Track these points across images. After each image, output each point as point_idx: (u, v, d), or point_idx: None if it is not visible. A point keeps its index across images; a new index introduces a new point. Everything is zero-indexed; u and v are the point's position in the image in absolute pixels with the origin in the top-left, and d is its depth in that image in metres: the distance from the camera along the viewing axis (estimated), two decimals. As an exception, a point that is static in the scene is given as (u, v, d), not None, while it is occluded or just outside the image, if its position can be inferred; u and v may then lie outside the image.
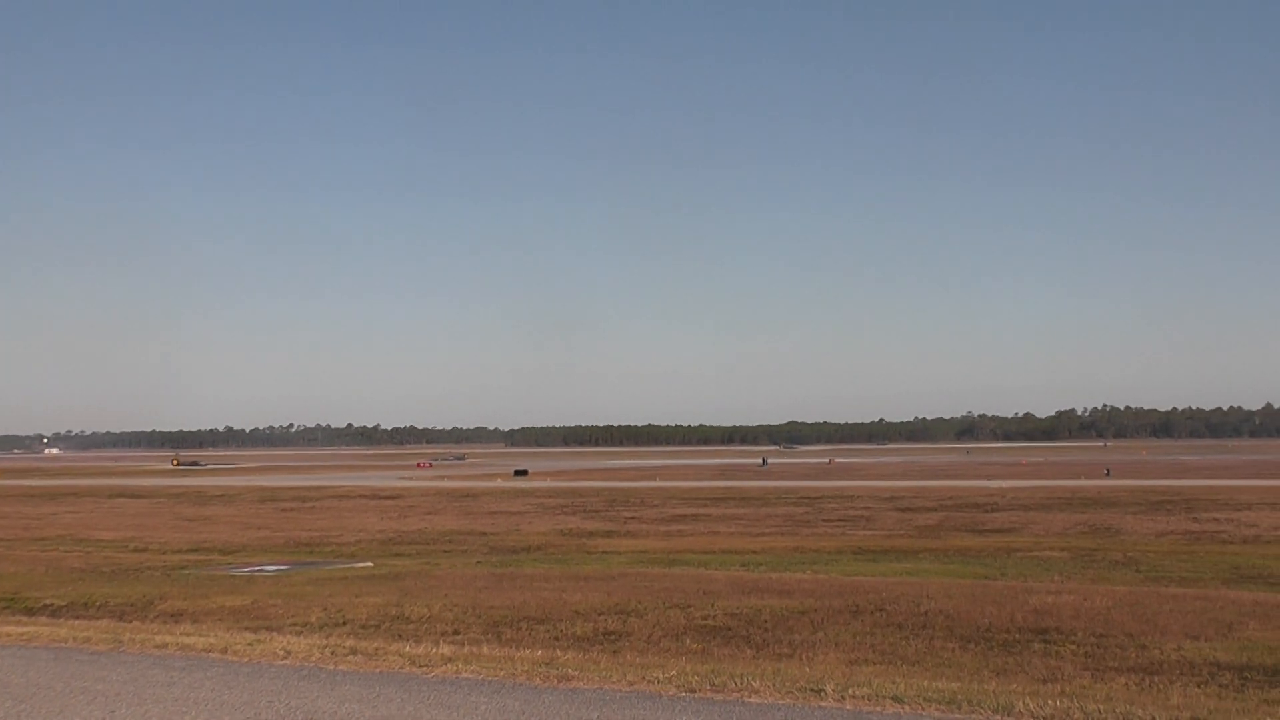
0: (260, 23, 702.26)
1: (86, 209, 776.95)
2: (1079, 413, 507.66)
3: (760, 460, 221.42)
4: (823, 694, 10.48)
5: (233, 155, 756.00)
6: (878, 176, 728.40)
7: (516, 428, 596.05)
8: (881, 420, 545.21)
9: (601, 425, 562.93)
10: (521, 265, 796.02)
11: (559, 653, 13.18)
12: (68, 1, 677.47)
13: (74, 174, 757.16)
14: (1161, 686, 14.65)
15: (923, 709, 10.17)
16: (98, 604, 28.57)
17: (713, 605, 26.19)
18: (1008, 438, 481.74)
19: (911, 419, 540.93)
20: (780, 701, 10.23)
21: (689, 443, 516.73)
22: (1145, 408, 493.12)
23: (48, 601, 29.07)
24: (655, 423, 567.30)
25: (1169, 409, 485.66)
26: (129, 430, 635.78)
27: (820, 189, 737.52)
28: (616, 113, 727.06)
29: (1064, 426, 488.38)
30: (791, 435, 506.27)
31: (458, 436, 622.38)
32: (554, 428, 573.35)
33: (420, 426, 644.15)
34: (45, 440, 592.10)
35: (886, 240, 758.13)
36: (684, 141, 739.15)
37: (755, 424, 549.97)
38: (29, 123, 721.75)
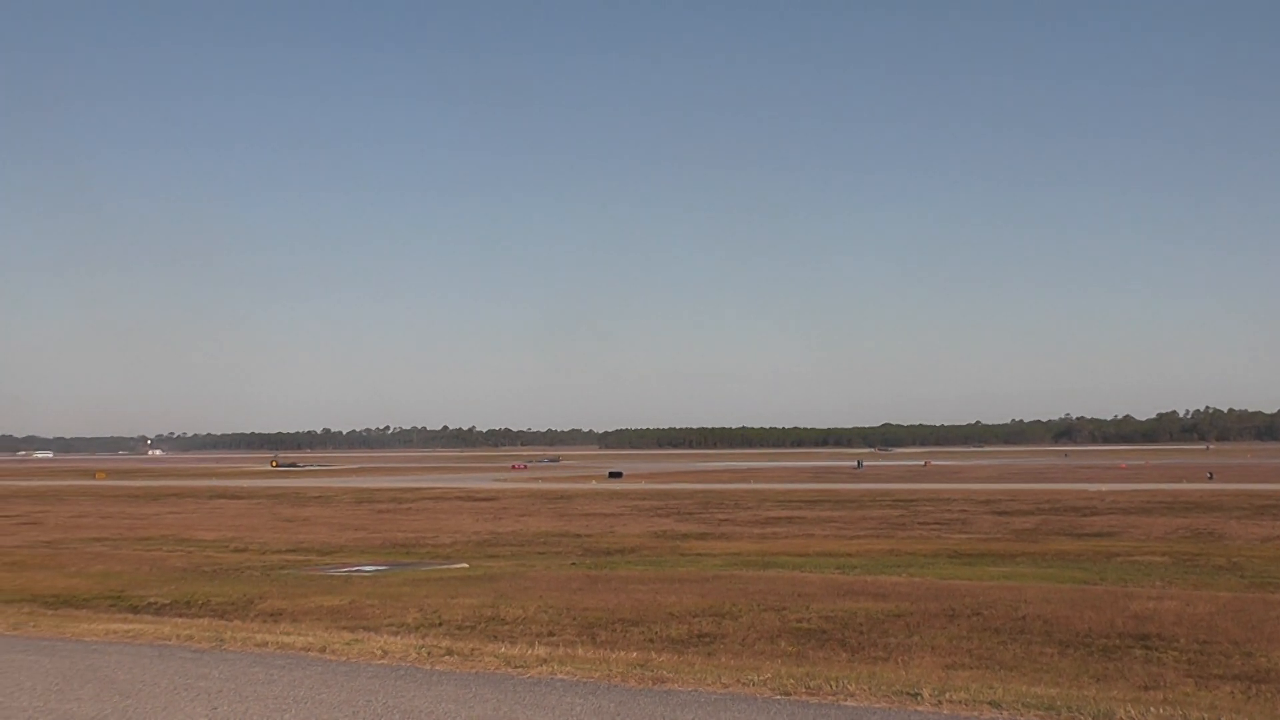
0: (327, 26, 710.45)
1: (187, 216, 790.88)
2: (1181, 415, 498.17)
3: (855, 462, 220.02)
4: (919, 698, 10.39)
5: (330, 160, 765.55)
6: (977, 178, 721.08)
7: (611, 430, 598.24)
8: (978, 422, 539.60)
9: (695, 427, 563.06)
10: (616, 267, 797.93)
11: (653, 655, 13.19)
12: (141, 5, 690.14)
13: (175, 181, 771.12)
14: (1268, 695, 14.37)
15: (1021, 715, 10.05)
16: (200, 603, 29.07)
17: (807, 608, 26.08)
18: (1106, 440, 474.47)
19: (1008, 421, 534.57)
20: (876, 705, 10.16)
21: (783, 445, 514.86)
22: (1250, 410, 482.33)
23: (152, 600, 29.63)
24: (749, 425, 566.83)
25: (1275, 411, 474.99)
26: (229, 432, 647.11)
27: (917, 190, 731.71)
28: (710, 111, 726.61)
29: (1165, 429, 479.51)
30: (887, 438, 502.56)
31: (552, 439, 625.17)
32: (648, 430, 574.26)
33: (515, 429, 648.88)
34: (149, 442, 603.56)
35: (983, 241, 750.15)
36: (780, 141, 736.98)
37: (850, 426, 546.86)
38: (124, 129, 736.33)
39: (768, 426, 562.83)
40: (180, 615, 22.83)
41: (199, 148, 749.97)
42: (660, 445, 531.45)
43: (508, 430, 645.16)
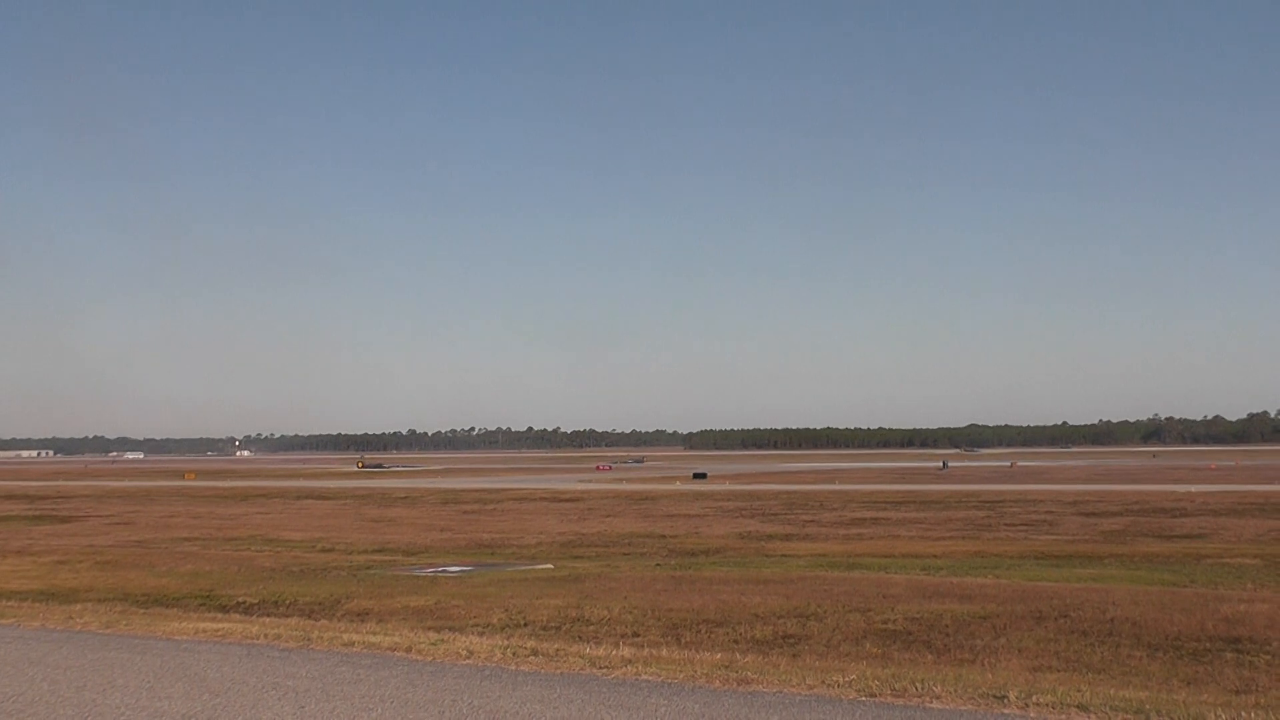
0: (408, 47, 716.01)
1: (275, 225, 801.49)
2: (1272, 415, 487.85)
3: (940, 463, 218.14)
4: (1005, 700, 10.26)
5: (410, 172, 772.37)
6: (1062, 179, 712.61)
7: (695, 431, 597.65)
8: (1065, 423, 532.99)
9: (780, 428, 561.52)
10: (698, 267, 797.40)
11: (738, 655, 13.12)
12: (265, 28, 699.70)
13: (262, 193, 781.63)
14: (1366, 700, 14.02)
15: (1110, 718, 9.89)
16: (287, 602, 29.39)
17: (892, 609, 25.88)
18: (1196, 441, 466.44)
19: (1095, 422, 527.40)
20: (962, 708, 10.04)
21: (868, 446, 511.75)
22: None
23: (240, 599, 30.00)
24: (834, 426, 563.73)
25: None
26: (316, 433, 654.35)
27: (1001, 189, 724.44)
28: (786, 118, 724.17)
29: (1256, 429, 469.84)
30: (972, 438, 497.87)
31: (636, 440, 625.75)
32: (732, 430, 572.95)
33: (599, 430, 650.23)
34: (237, 443, 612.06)
35: (1070, 240, 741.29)
36: (867, 142, 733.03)
37: (935, 427, 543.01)
38: (205, 145, 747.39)
39: (852, 427, 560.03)
40: (268, 615, 23.09)
41: (281, 162, 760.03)
42: (744, 446, 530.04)
43: (592, 431, 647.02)
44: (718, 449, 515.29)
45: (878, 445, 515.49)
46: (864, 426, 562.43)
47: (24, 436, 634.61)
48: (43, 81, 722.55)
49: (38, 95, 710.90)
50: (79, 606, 18.17)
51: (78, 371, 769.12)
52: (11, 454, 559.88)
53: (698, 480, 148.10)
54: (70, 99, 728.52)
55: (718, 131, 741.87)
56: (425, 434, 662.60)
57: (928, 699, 10.23)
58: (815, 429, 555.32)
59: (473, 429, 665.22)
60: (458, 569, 42.01)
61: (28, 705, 9.89)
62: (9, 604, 18.13)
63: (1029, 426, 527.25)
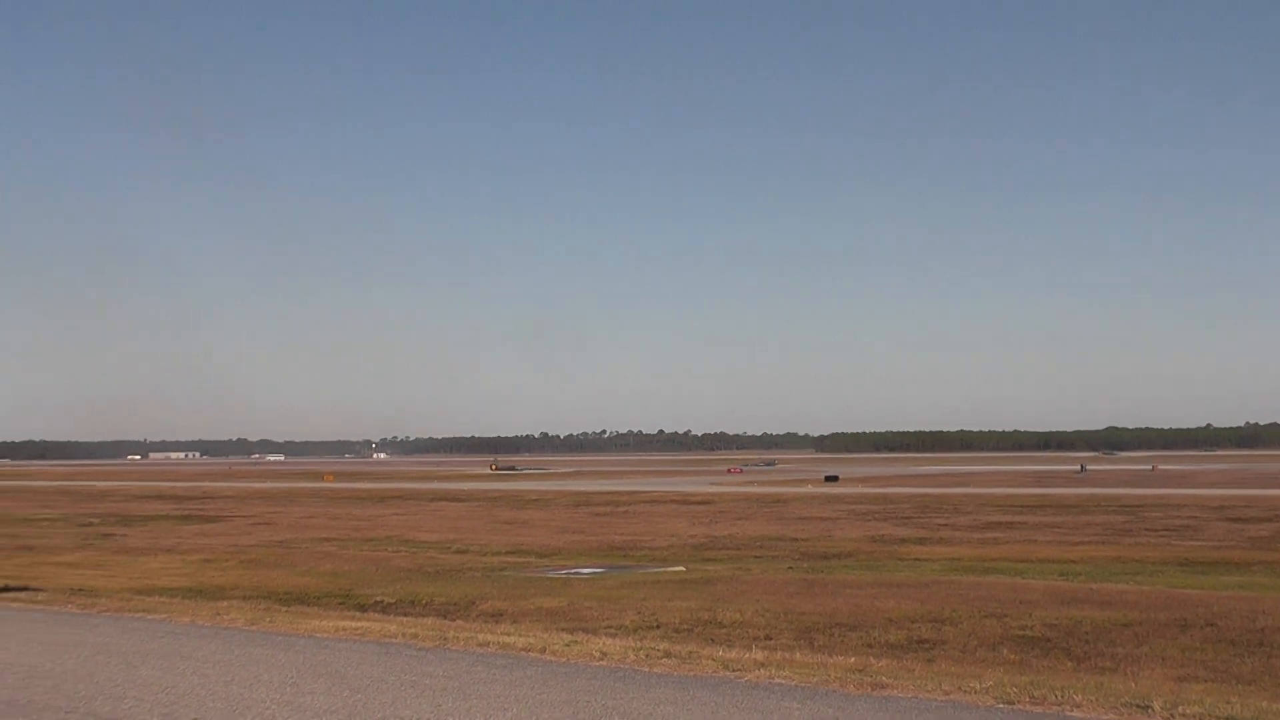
0: (540, 49, 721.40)
1: (411, 234, 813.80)
2: None
3: (1078, 466, 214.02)
4: (1149, 710, 10.05)
5: (535, 176, 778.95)
6: (1208, 178, 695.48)
7: (827, 433, 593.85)
8: (1209, 425, 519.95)
9: (912, 431, 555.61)
10: (828, 268, 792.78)
11: (872, 660, 13.03)
12: (371, 37, 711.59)
13: (386, 196, 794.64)
14: None
15: (1260, 730, 9.63)
16: (423, 602, 29.82)
17: (1029, 615, 25.50)
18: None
19: (1242, 424, 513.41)
20: (1104, 717, 9.85)
21: (1002, 449, 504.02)
22: None
23: (378, 599, 30.51)
24: (967, 428, 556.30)
25: None
26: (450, 436, 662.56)
27: (1141, 189, 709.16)
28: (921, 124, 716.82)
29: None
30: (1111, 441, 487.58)
31: (768, 442, 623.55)
32: (864, 433, 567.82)
33: (730, 432, 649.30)
34: (374, 445, 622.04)
35: (1216, 239, 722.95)
36: (998, 141, 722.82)
37: (1072, 429, 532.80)
38: (331, 146, 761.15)
39: (986, 430, 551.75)
40: (405, 614, 23.45)
41: (405, 167, 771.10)
42: (876, 449, 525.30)
43: (723, 434, 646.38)
44: (849, 451, 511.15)
45: (1012, 448, 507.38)
46: (998, 429, 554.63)
47: (172, 439, 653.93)
48: (169, 90, 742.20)
49: (165, 103, 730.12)
50: (225, 604, 18.65)
51: (221, 376, 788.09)
52: (161, 456, 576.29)
53: (829, 483, 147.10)
54: (197, 107, 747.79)
55: (840, 133, 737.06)
56: (557, 437, 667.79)
57: (1067, 707, 10.06)
58: (948, 431, 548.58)
59: (604, 432, 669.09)
60: (590, 571, 42.25)
61: (180, 697, 10.19)
62: (160, 600, 18.67)
63: (1170, 429, 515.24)
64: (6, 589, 20.31)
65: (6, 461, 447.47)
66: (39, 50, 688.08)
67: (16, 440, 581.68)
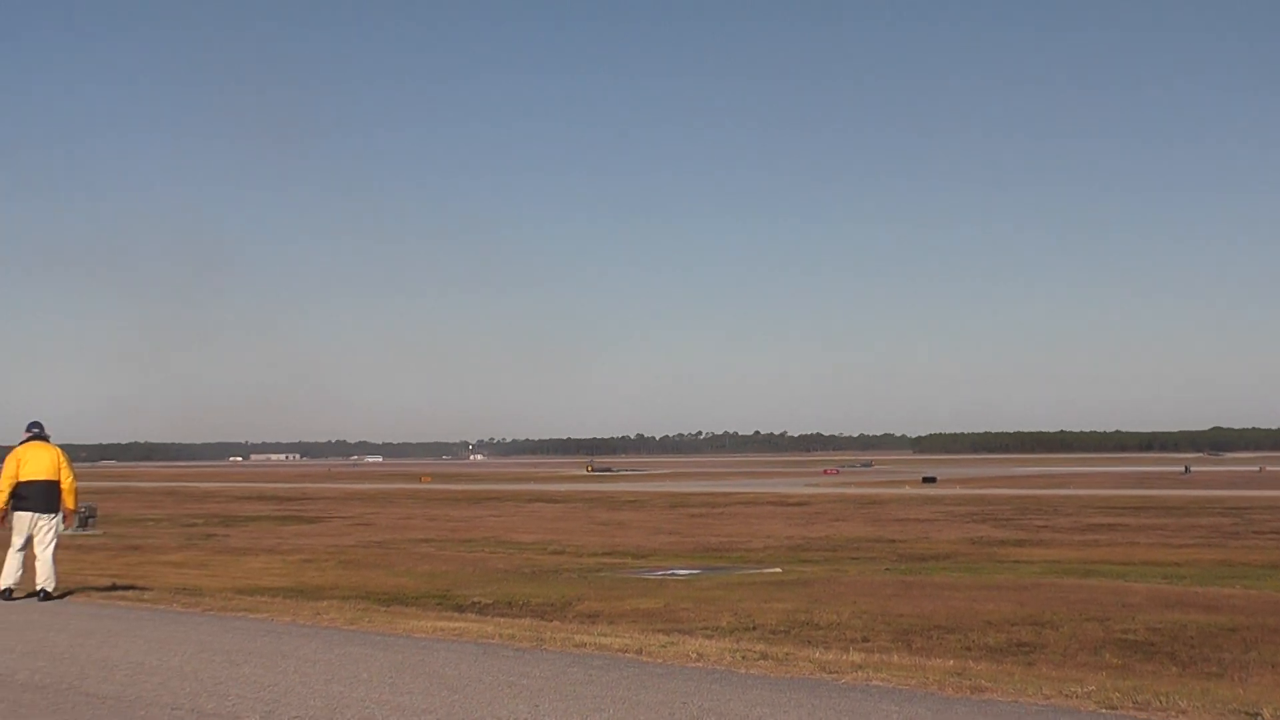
0: (652, 52, 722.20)
1: (510, 236, 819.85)
2: None
3: (1183, 468, 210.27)
4: (1258, 718, 9.81)
5: (631, 179, 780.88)
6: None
7: (924, 434, 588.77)
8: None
9: (1011, 432, 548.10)
10: (927, 267, 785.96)
11: (970, 663, 12.86)
12: (467, 40, 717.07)
13: (478, 201, 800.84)
14: None
15: (1378, 741, 9.36)
16: (520, 603, 29.99)
17: (1132, 619, 25.10)
18: None
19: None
20: (1209, 723, 9.66)
21: (1104, 450, 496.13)
22: None
23: (475, 599, 30.73)
24: (1068, 429, 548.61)
25: None
26: (546, 437, 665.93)
27: (1241, 188, 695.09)
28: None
29: None
30: (1216, 442, 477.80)
31: (864, 443, 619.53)
32: (962, 434, 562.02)
33: (826, 433, 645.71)
34: (470, 447, 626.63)
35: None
36: (1095, 145, 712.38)
37: (1176, 430, 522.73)
38: (426, 148, 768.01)
39: (1087, 430, 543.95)
40: (502, 615, 23.58)
41: (499, 171, 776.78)
42: (974, 450, 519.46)
43: (819, 435, 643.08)
44: (947, 452, 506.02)
45: (1114, 449, 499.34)
46: (1099, 430, 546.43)
47: (272, 440, 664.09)
48: (269, 95, 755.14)
49: (265, 108, 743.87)
50: (325, 603, 18.86)
51: (320, 379, 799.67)
52: (262, 457, 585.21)
53: (927, 484, 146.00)
54: (297, 112, 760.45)
55: (935, 134, 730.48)
56: (652, 438, 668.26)
57: (1172, 713, 9.84)
58: (1048, 432, 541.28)
59: (699, 433, 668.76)
60: (686, 572, 42.24)
61: (282, 695, 10.33)
62: (262, 599, 18.94)
63: (1279, 429, 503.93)
64: (114, 587, 20.73)
65: (114, 463, 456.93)
66: (140, 57, 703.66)
67: (123, 442, 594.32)
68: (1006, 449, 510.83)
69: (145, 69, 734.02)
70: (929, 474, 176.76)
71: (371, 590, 33.26)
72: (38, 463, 17.55)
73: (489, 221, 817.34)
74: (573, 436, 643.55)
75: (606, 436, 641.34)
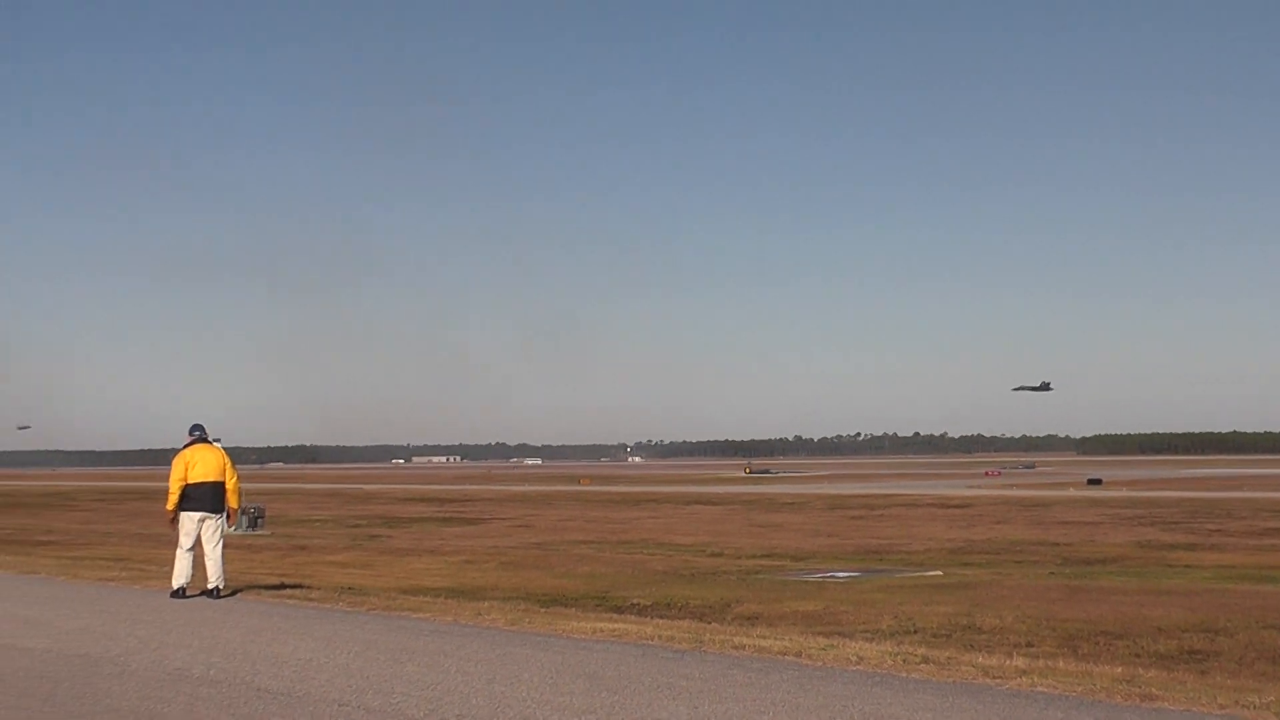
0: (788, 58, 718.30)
1: (664, 239, 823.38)
2: None
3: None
4: None
5: (781, 182, 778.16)
6: None
7: (1089, 435, 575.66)
8: None
9: (1180, 432, 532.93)
10: (1092, 268, 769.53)
11: (1140, 670, 12.54)
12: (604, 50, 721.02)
13: (625, 203, 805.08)
14: None
15: None
16: (678, 605, 30.04)
17: (1314, 627, 24.23)
18: None
19: None
20: (1398, 737, 9.27)
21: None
22: None
23: (634, 601, 30.86)
24: (1240, 429, 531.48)
25: None
26: (703, 439, 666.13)
27: None
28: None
29: None
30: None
31: (1026, 445, 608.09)
32: (1129, 435, 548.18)
33: (987, 435, 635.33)
34: (629, 449, 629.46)
35: None
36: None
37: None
38: (574, 153, 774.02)
39: (1262, 430, 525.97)
40: (661, 616, 23.65)
41: (656, 181, 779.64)
42: (1142, 450, 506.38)
43: (979, 436, 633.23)
44: (1112, 454, 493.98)
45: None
46: (1275, 430, 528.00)
47: (434, 443, 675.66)
48: (421, 106, 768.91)
49: (416, 119, 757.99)
50: (486, 604, 19.10)
51: (480, 382, 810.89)
52: (423, 459, 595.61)
53: (1092, 486, 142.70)
54: (448, 122, 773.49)
55: (1089, 137, 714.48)
56: (811, 439, 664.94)
57: (1358, 725, 9.48)
58: (1220, 433, 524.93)
59: (858, 434, 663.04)
60: (845, 574, 41.91)
61: (445, 694, 10.49)
62: (424, 599, 19.27)
63: None
64: (282, 586, 21.28)
65: (280, 465, 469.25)
66: (294, 71, 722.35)
67: (289, 445, 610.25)
68: (1175, 450, 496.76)
69: (298, 84, 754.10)
70: (1094, 476, 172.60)
71: (531, 591, 33.60)
72: (206, 464, 18.08)
73: (655, 225, 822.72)
74: (731, 438, 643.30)
75: (765, 438, 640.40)
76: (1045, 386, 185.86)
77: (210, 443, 18.51)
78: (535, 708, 9.87)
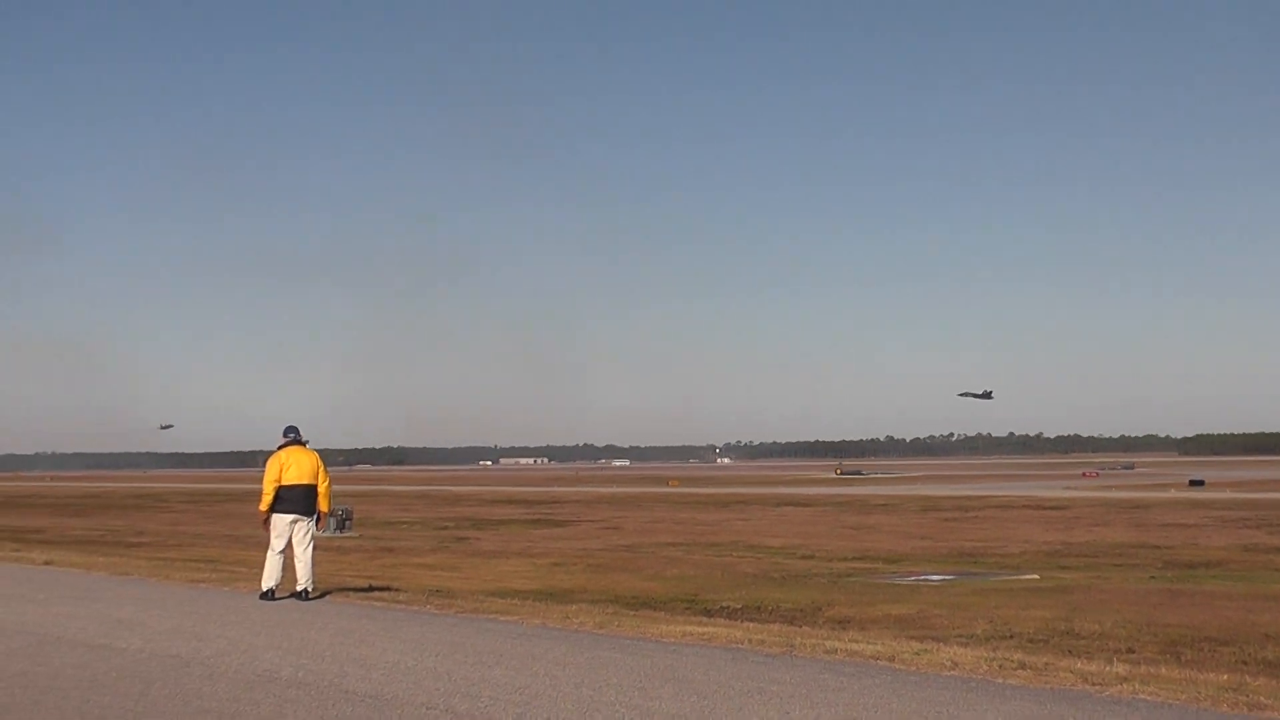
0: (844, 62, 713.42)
1: (756, 239, 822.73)
2: None
3: None
4: None
5: (873, 185, 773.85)
6: None
7: (1191, 435, 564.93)
8: None
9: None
10: (1190, 266, 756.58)
11: (1248, 678, 12.12)
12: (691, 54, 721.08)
13: (750, 210, 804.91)
14: None
15: None
16: (769, 608, 29.85)
17: None
18: None
19: None
20: None
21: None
22: None
23: (724, 604, 30.72)
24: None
25: None
26: (794, 440, 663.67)
27: None
28: None
29: None
30: None
31: (1125, 445, 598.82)
32: (1233, 434, 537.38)
33: (1085, 435, 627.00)
34: (717, 450, 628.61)
35: None
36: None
37: None
38: (673, 158, 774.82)
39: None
40: (751, 620, 23.47)
41: (746, 179, 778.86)
42: (1246, 451, 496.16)
43: (1076, 436, 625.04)
44: (1215, 454, 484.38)
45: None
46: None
47: (521, 445, 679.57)
48: (515, 110, 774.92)
49: (510, 123, 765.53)
50: (574, 607, 19.05)
51: (568, 383, 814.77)
52: (511, 461, 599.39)
53: (1194, 487, 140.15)
54: (538, 126, 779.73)
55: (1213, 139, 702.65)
56: (903, 440, 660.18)
57: None
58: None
59: (951, 435, 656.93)
60: (938, 578, 41.44)
61: (532, 697, 10.41)
62: (511, 602, 19.24)
63: None
64: (370, 588, 21.39)
65: (368, 467, 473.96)
66: (385, 75, 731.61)
67: (377, 446, 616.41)
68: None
69: (392, 90, 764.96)
70: (1196, 477, 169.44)
71: (620, 594, 33.55)
72: (300, 466, 18.17)
73: (741, 226, 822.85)
74: (821, 439, 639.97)
75: (856, 439, 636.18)
76: (987, 395, 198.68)
77: (304, 445, 18.60)
78: (624, 711, 9.75)
